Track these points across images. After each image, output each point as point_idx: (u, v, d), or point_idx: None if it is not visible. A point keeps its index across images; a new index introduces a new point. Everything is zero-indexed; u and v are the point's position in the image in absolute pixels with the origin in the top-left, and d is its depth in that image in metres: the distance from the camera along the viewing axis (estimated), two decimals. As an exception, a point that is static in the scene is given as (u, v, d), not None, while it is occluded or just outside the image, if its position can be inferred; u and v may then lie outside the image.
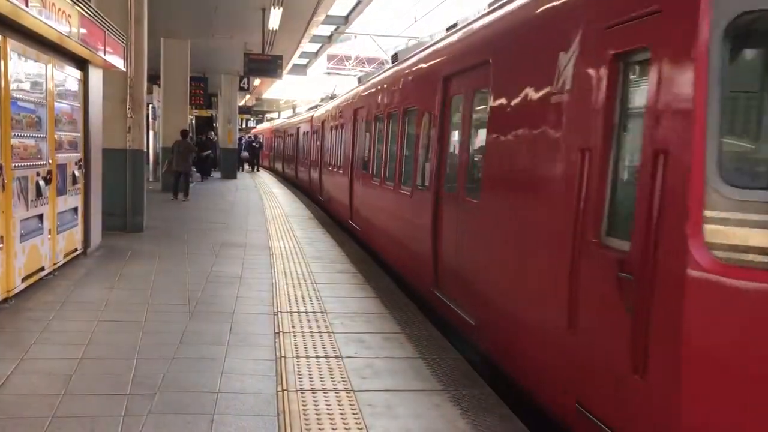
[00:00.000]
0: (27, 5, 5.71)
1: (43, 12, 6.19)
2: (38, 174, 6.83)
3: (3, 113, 5.93)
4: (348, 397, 4.26)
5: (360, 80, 13.80)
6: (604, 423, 3.21)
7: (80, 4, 7.29)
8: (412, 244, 7.22)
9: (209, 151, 24.60)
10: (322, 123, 16.90)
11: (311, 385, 4.44)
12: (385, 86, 9.67)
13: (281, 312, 6.26)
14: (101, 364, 4.70)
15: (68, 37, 7.03)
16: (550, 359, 3.85)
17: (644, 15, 3.08)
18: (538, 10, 4.48)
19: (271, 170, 36.28)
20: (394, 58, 10.39)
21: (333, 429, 3.78)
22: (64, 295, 6.61)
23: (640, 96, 3.20)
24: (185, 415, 3.91)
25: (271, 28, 16.15)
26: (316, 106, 22.59)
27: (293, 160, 25.43)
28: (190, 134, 22.13)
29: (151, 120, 21.39)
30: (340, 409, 4.05)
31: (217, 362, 4.85)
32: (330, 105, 16.87)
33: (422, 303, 6.90)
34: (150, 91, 19.79)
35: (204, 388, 4.33)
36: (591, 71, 3.52)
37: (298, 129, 23.99)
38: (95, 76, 9.00)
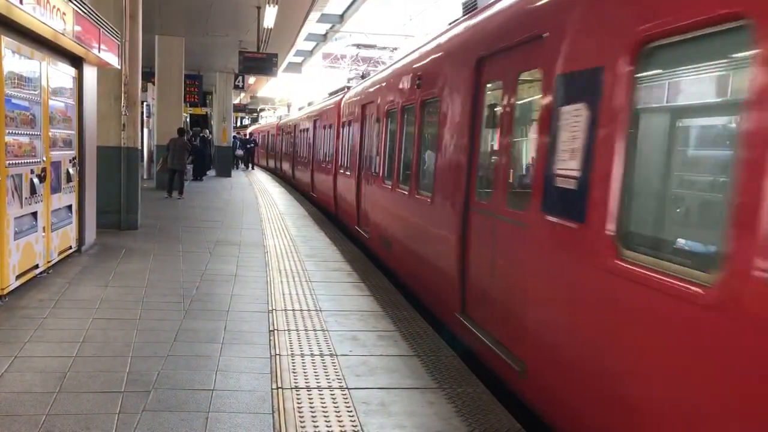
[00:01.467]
0: (22, 2, 5.70)
1: (38, 9, 6.18)
2: (32, 171, 6.82)
3: (-3, 110, 5.92)
4: (343, 394, 4.28)
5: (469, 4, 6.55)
6: None
7: (75, 2, 7.27)
8: None
9: (191, 157, 19.93)
10: (363, 108, 11.20)
11: (306, 382, 4.45)
12: None
13: (276, 310, 6.27)
14: (96, 362, 4.70)
15: (63, 34, 7.01)
16: None
17: None
18: None
19: (275, 174, 30.76)
20: None
21: (328, 427, 3.80)
22: (59, 293, 6.60)
23: None
24: (180, 412, 3.92)
25: (266, 27, 16.11)
26: (344, 88, 16.20)
27: (308, 166, 19.00)
28: (188, 132, 21.99)
29: (145, 118, 21.35)
30: (334, 407, 4.07)
31: (212, 360, 4.85)
32: (379, 76, 10.54)
33: None
34: (144, 89, 19.77)
35: (199, 386, 4.34)
36: None
37: (314, 123, 18.27)
38: (90, 73, 8.98)
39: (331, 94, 18.28)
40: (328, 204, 15.02)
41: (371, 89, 10.73)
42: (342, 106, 13.94)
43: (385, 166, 9.16)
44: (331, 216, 14.19)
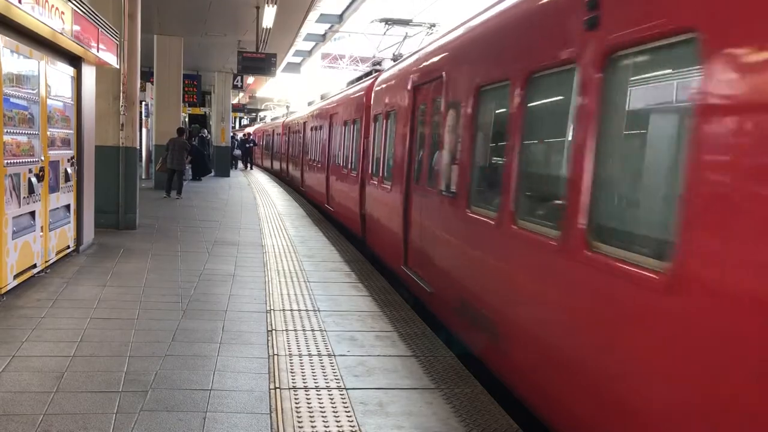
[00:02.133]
0: (20, 1, 5.70)
1: (36, 8, 6.17)
2: (30, 171, 6.81)
3: (-5, 110, 5.91)
4: (340, 395, 4.28)
5: None
6: None
7: (73, 1, 7.26)
8: None
9: (189, 157, 18.16)
10: (414, 93, 7.75)
11: (304, 383, 4.45)
12: None
13: (274, 310, 6.26)
14: (93, 362, 4.70)
15: (61, 33, 7.01)
16: None
17: None
18: None
19: (283, 180, 26.52)
20: None
21: (325, 427, 3.80)
22: (56, 293, 6.59)
23: None
24: (177, 412, 3.92)
25: (265, 26, 16.11)
26: (371, 72, 12.90)
27: (322, 172, 15.52)
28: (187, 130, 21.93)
29: (144, 117, 21.35)
30: (332, 407, 4.07)
31: (210, 360, 4.85)
32: (455, 33, 6.58)
33: None
34: (143, 89, 19.76)
35: (196, 386, 4.34)
36: None
37: (330, 118, 14.90)
38: (88, 73, 8.97)
39: (351, 83, 14.85)
40: (350, 223, 11.68)
41: (436, 59, 7.03)
42: (373, 94, 10.65)
43: (472, 184, 5.52)
44: (355, 239, 11.19)
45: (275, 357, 4.94)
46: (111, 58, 9.25)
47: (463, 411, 4.14)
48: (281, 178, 27.29)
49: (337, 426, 3.81)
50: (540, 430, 4.15)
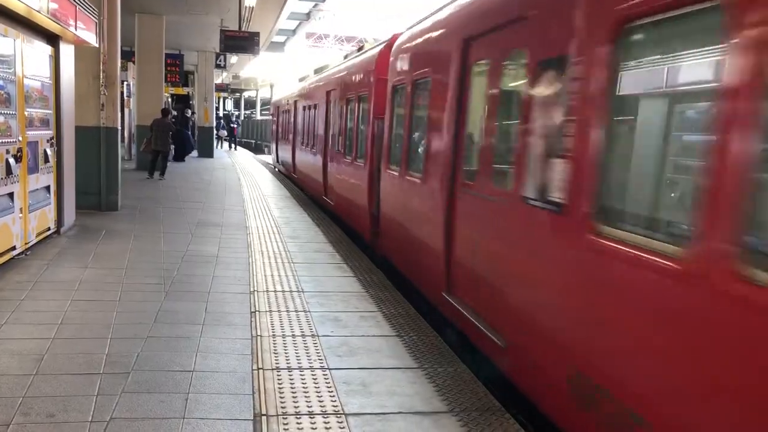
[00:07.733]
0: (-7, -23, 5.56)
1: (11, -15, 6.03)
2: (8, 152, 6.70)
3: (-30, 89, 5.79)
4: (323, 375, 4.28)
5: None
6: None
7: (49, -23, 7.10)
8: None
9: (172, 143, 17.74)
10: None
11: (287, 363, 4.44)
12: None
13: (257, 291, 6.24)
14: (74, 344, 4.66)
15: (38, 11, 6.86)
16: None
17: None
18: None
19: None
20: None
21: (308, 407, 3.80)
22: (37, 275, 6.52)
23: None
24: (159, 393, 3.90)
25: (247, 5, 15.90)
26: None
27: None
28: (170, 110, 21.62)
29: (125, 97, 21.04)
30: (315, 387, 4.07)
31: (193, 341, 4.83)
32: None
33: None
34: (124, 68, 19.46)
35: (179, 367, 4.32)
36: None
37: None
38: (67, 51, 8.80)
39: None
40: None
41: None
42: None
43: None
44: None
45: (258, 338, 4.92)
46: (90, 37, 9.08)
47: (446, 390, 4.16)
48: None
49: (320, 406, 3.81)
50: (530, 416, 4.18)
